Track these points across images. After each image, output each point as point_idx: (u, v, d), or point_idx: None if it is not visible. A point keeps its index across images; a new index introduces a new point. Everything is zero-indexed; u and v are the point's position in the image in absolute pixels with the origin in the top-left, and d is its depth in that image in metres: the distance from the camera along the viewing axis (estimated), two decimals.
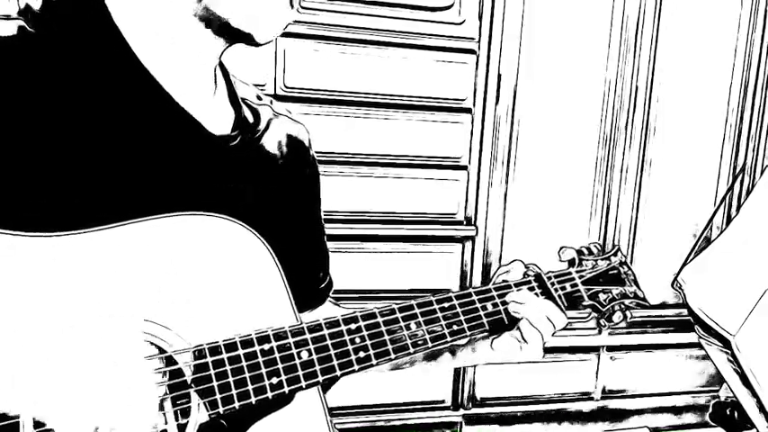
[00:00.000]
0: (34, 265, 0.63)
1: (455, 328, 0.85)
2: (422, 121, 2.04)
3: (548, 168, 2.20)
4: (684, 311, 2.27)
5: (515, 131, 2.15)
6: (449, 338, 0.85)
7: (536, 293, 0.92)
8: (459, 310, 0.86)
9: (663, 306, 2.39)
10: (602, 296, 0.98)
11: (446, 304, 0.86)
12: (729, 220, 2.34)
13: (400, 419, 2.15)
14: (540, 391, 2.33)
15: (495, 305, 0.89)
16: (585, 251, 1.01)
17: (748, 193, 2.33)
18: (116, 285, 0.66)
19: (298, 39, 1.90)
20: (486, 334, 0.90)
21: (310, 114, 1.92)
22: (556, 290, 0.93)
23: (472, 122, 2.09)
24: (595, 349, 2.36)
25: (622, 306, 0.98)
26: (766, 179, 2.23)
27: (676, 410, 2.49)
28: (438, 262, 2.12)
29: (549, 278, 0.94)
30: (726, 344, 2.07)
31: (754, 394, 2.03)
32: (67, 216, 0.67)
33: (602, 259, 1.01)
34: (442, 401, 2.22)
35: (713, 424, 2.46)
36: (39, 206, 0.66)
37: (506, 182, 2.17)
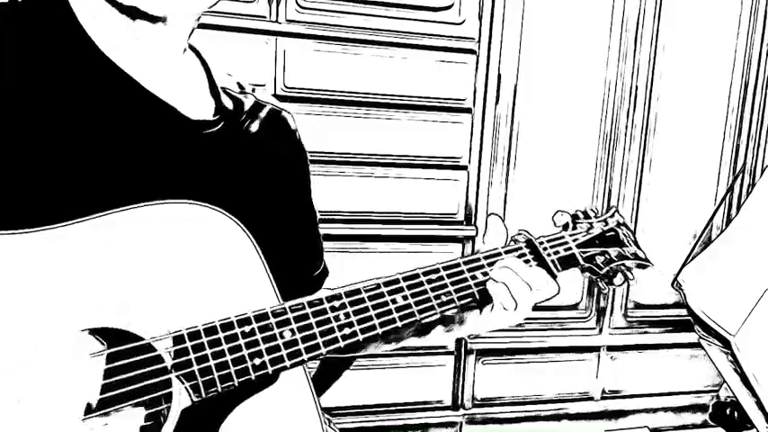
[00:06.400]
0: (11, 263, 0.63)
1: (444, 299, 0.82)
2: (422, 121, 2.04)
3: (548, 168, 2.20)
4: (684, 311, 2.27)
5: (515, 131, 2.15)
6: (438, 310, 0.81)
7: (527, 260, 0.88)
8: (447, 281, 0.83)
9: (663, 306, 2.39)
10: (599, 258, 0.93)
11: (433, 276, 0.82)
12: (729, 220, 2.34)
13: (400, 419, 2.15)
14: (540, 391, 2.33)
15: (485, 274, 0.85)
16: (581, 215, 0.97)
17: (748, 193, 2.33)
18: (91, 277, 0.66)
19: (298, 39, 1.90)
20: (475, 304, 0.86)
21: (311, 114, 1.92)
22: (548, 254, 0.89)
23: (472, 122, 2.09)
24: (595, 349, 2.36)
25: (623, 267, 0.94)
26: (766, 179, 2.23)
27: (676, 410, 2.49)
28: None
29: (541, 243, 0.90)
30: (726, 344, 2.07)
31: (754, 394, 2.03)
32: (40, 210, 0.66)
33: (598, 221, 0.97)
34: (442, 401, 2.22)
35: (713, 424, 2.46)
36: (10, 202, 0.66)
37: (506, 182, 2.17)
